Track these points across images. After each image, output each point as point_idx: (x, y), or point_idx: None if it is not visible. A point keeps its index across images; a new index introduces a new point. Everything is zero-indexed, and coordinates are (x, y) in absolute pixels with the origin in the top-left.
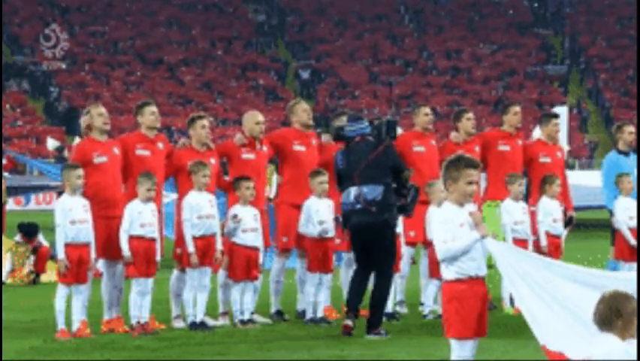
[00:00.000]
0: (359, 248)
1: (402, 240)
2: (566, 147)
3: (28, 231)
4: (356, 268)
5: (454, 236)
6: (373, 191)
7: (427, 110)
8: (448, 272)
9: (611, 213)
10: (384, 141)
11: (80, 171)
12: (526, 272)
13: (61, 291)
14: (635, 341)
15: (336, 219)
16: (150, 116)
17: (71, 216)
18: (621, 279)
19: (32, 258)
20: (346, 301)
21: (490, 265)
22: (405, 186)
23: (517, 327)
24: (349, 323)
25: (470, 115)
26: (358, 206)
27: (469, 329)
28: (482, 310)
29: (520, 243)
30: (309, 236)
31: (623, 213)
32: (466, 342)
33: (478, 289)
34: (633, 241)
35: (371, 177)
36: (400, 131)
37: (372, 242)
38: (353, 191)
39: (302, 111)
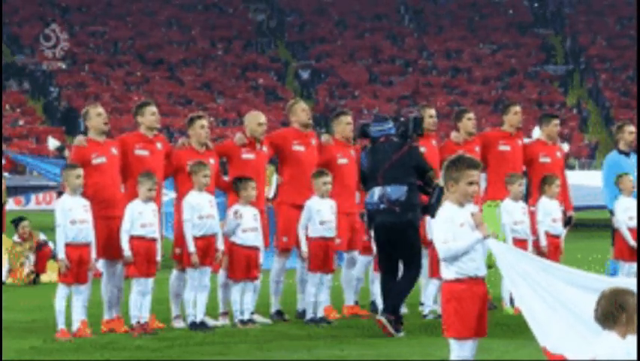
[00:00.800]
0: (383, 248)
1: None
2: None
3: (16, 221)
4: (381, 276)
5: (454, 236)
6: (397, 191)
7: (432, 112)
8: (447, 272)
9: (611, 213)
10: (411, 138)
11: (79, 171)
12: (527, 273)
13: (62, 291)
14: (635, 338)
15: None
16: (151, 116)
17: (72, 217)
18: (621, 284)
19: (32, 258)
20: (386, 305)
21: (490, 265)
22: (430, 186)
23: (517, 327)
24: (387, 325)
25: (471, 115)
26: (382, 206)
27: (468, 329)
28: (482, 310)
29: (520, 243)
30: (309, 236)
31: (623, 213)
32: (466, 342)
33: (477, 289)
34: (632, 242)
35: (395, 177)
36: None
37: (396, 242)
38: (377, 191)
39: (301, 111)
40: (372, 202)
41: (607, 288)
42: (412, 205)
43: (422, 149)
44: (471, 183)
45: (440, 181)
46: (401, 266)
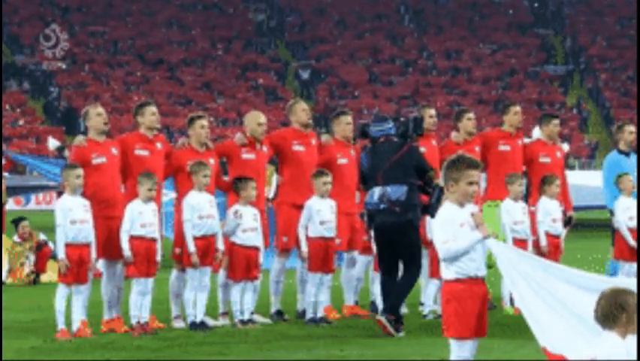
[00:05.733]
0: (384, 248)
1: None
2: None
3: (16, 221)
4: (382, 277)
5: (454, 236)
6: (397, 191)
7: (432, 112)
8: (447, 272)
9: (612, 213)
10: (411, 138)
11: (79, 171)
12: (527, 273)
13: (62, 291)
14: (634, 338)
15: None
16: (151, 116)
17: (72, 216)
18: (621, 284)
19: (32, 258)
20: (386, 306)
21: (490, 265)
22: (430, 186)
23: (517, 327)
24: (387, 324)
25: (471, 115)
26: (383, 206)
27: (468, 329)
28: (482, 310)
29: (520, 243)
30: (309, 236)
31: (623, 213)
32: (466, 342)
33: (477, 289)
34: (632, 242)
35: (395, 177)
36: None
37: (396, 242)
38: (377, 191)
39: (301, 111)
40: (372, 202)
41: (607, 288)
42: (412, 205)
43: (422, 149)
44: (471, 183)
45: (440, 181)
46: (401, 266)
